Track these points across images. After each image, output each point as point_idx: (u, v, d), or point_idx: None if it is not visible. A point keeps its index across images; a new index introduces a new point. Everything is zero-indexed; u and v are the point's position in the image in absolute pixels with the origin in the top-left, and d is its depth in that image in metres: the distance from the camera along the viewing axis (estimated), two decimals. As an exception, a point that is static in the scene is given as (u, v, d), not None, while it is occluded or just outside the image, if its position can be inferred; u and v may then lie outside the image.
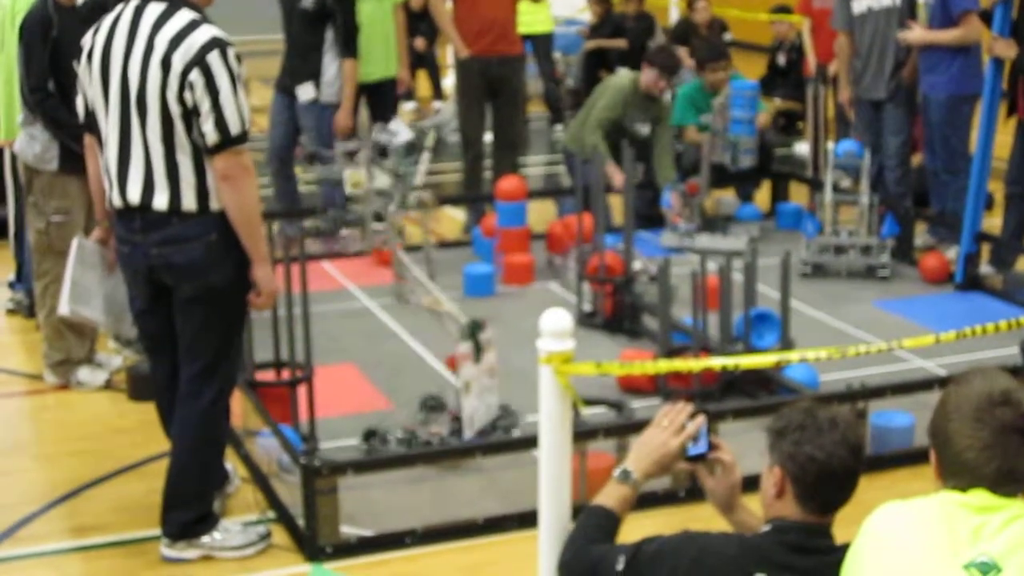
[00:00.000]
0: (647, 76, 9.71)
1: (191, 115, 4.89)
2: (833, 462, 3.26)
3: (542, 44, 13.85)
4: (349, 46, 9.20)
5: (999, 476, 2.90)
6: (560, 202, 10.32)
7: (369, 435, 6.06)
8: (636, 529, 3.60)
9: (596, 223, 7.82)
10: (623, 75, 10.13)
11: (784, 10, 13.88)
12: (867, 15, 9.31)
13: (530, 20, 13.18)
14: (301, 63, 9.30)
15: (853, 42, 9.44)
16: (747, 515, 3.61)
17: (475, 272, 8.62)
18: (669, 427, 3.62)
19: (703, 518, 5.26)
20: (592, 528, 3.57)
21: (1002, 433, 2.90)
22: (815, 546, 3.27)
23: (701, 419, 3.62)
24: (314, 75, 9.27)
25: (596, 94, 9.98)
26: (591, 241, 7.89)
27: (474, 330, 5.95)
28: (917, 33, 8.90)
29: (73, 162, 6.43)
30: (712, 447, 3.63)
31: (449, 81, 14.64)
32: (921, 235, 9.46)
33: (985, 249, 8.68)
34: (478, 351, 5.93)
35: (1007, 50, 8.07)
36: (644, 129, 9.77)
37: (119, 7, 5.06)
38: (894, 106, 9.27)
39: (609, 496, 3.62)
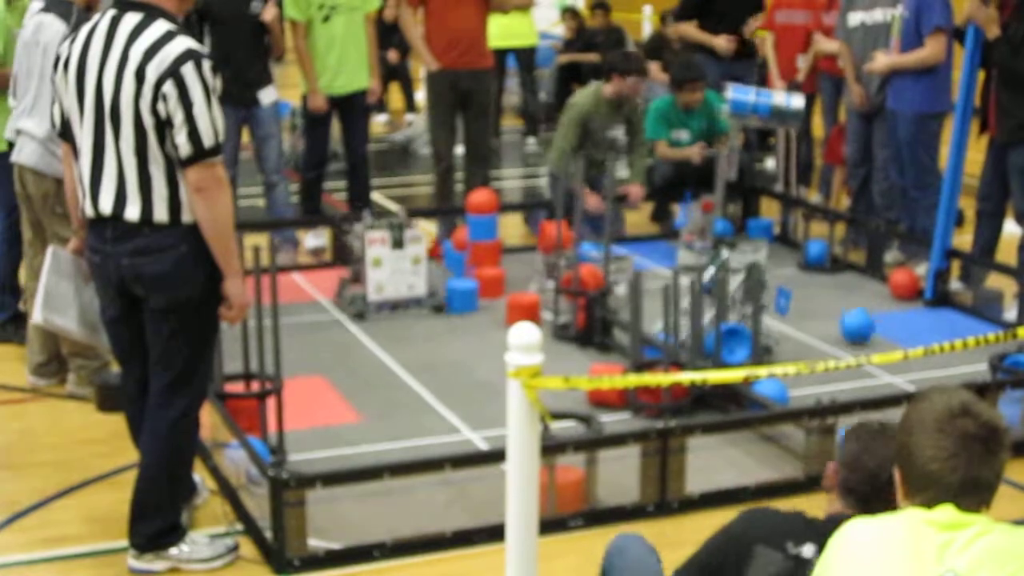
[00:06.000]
0: (616, 86, 9.79)
1: (164, 127, 4.86)
2: (882, 475, 3.41)
3: (525, 57, 13.87)
4: None
5: (964, 485, 2.92)
6: (531, 215, 10.32)
7: None
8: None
9: (574, 238, 7.86)
10: (583, 93, 10.13)
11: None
12: (859, 28, 9.39)
13: (513, 33, 13.21)
14: (253, 68, 9.22)
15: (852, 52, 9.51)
16: None
17: (459, 287, 8.48)
18: None
19: (673, 533, 5.29)
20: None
21: (965, 441, 2.93)
22: None
23: None
24: (270, 78, 9.35)
25: (563, 114, 10.10)
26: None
27: (394, 224, 8.24)
28: (881, 61, 8.98)
29: None
30: None
31: (422, 94, 14.66)
32: (891, 251, 9.50)
33: (955, 265, 8.72)
34: (397, 243, 8.14)
35: (990, 22, 7.95)
36: (619, 133, 9.82)
37: (96, 17, 5.05)
38: (883, 119, 9.30)
39: None
